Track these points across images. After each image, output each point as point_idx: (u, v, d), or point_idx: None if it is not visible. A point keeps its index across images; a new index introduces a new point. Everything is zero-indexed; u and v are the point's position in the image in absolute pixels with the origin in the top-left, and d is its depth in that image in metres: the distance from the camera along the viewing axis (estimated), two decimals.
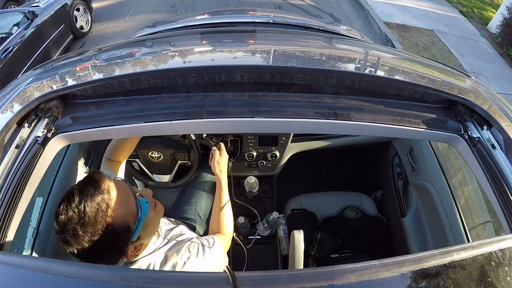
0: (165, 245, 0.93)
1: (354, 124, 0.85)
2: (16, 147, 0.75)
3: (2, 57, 3.61)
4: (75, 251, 0.67)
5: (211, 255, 0.93)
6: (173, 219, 1.18)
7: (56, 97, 0.84)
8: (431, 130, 0.88)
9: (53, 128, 0.82)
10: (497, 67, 5.03)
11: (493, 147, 0.80)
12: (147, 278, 0.47)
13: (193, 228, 1.39)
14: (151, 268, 0.83)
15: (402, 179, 1.68)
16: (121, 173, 1.19)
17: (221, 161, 1.22)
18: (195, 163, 1.46)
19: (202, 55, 1.11)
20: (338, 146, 1.73)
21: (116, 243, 0.73)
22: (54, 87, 0.84)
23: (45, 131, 0.79)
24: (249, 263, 1.38)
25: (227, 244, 1.10)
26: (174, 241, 0.95)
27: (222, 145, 1.28)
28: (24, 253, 1.11)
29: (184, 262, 0.87)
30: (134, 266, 0.83)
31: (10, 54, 3.68)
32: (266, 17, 2.12)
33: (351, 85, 0.88)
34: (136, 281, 0.46)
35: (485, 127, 0.86)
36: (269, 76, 0.85)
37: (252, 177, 1.55)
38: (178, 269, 0.85)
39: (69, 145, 1.02)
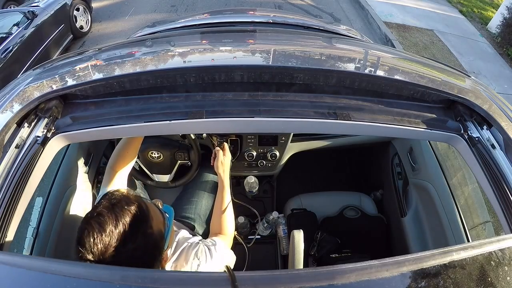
0: (172, 255, 0.92)
1: (354, 124, 0.85)
2: (16, 147, 0.75)
3: (2, 57, 3.60)
4: None
5: (218, 255, 0.94)
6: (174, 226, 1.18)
7: (56, 97, 0.84)
8: (431, 129, 0.88)
9: (53, 128, 0.82)
10: (497, 67, 5.02)
11: (493, 147, 0.81)
12: (147, 278, 0.46)
13: (192, 227, 1.39)
14: None
15: (402, 179, 1.68)
16: (125, 182, 1.17)
17: (224, 161, 1.22)
18: (195, 163, 1.46)
19: (202, 55, 1.10)
20: (338, 146, 1.73)
21: (157, 252, 0.72)
22: (54, 87, 0.84)
23: (45, 131, 0.79)
24: (249, 263, 1.38)
25: (229, 244, 1.10)
26: (180, 250, 0.93)
27: (226, 145, 1.28)
28: (24, 253, 1.11)
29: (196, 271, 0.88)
30: None
31: (10, 54, 3.67)
32: (266, 17, 2.12)
33: (351, 85, 0.88)
34: (136, 281, 0.46)
35: (485, 127, 0.86)
36: (269, 76, 0.85)
37: (252, 177, 1.55)
38: None
39: (68, 145, 1.02)
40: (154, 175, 1.53)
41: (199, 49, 1.18)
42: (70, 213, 1.36)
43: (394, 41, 4.82)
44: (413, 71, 1.05)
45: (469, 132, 0.86)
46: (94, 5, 5.76)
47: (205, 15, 2.20)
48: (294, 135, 1.62)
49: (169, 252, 0.91)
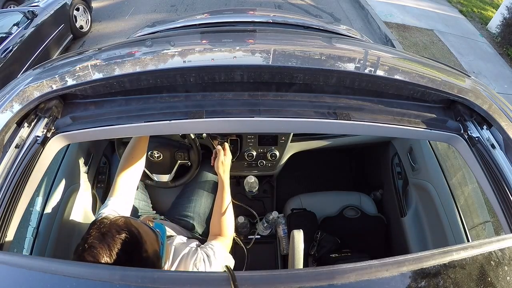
0: (171, 266, 0.90)
1: (354, 123, 0.85)
2: (15, 147, 0.75)
3: (2, 56, 3.59)
4: None
5: (217, 262, 0.94)
6: (169, 229, 1.15)
7: (55, 96, 0.84)
8: (430, 129, 0.88)
9: (53, 128, 0.82)
10: (497, 67, 5.02)
11: (493, 146, 0.80)
12: (147, 278, 0.46)
13: (191, 227, 1.39)
14: None
15: (401, 178, 1.68)
16: (133, 194, 1.15)
17: (225, 161, 1.22)
18: (195, 163, 1.46)
19: (202, 54, 1.10)
20: (338, 145, 1.73)
21: None
22: (54, 87, 0.84)
23: (45, 130, 0.79)
24: (249, 263, 1.38)
25: (229, 245, 1.10)
26: (178, 260, 0.92)
27: (227, 145, 1.28)
28: (23, 253, 1.11)
29: None
30: None
31: (10, 54, 3.67)
32: (266, 17, 2.12)
33: (351, 85, 0.88)
34: (135, 281, 0.46)
35: (484, 127, 0.86)
36: (269, 76, 0.84)
37: (252, 176, 1.55)
38: None
39: (68, 145, 1.02)
40: (154, 175, 1.53)
41: (199, 49, 1.18)
42: (70, 213, 1.36)
43: (394, 41, 4.82)
44: (413, 71, 1.05)
45: (469, 132, 0.86)
46: (94, 5, 5.76)
47: (205, 15, 2.20)
48: (294, 135, 1.62)
49: (167, 265, 0.90)
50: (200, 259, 0.92)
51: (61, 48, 4.63)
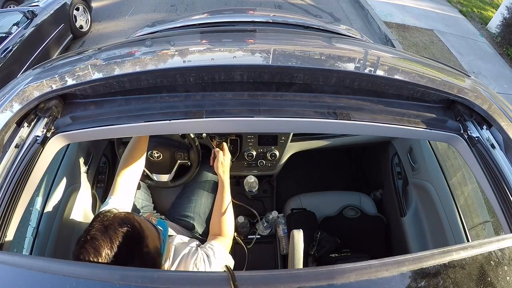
0: (171, 265, 0.91)
1: (354, 123, 0.85)
2: (15, 147, 0.75)
3: (2, 56, 3.58)
4: None
5: (217, 262, 0.94)
6: (170, 228, 1.15)
7: (55, 96, 0.84)
8: (430, 129, 0.88)
9: (53, 128, 0.82)
10: (497, 67, 5.02)
11: (493, 146, 0.80)
12: (147, 277, 0.46)
13: (191, 227, 1.39)
14: None
15: (401, 178, 1.68)
16: (133, 193, 1.15)
17: (224, 161, 1.22)
18: (195, 163, 1.46)
19: (201, 54, 1.10)
20: (338, 145, 1.73)
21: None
22: (54, 87, 0.84)
23: (45, 130, 0.79)
24: (249, 262, 1.38)
25: (229, 245, 1.11)
26: (179, 259, 0.92)
27: (225, 145, 1.28)
28: (23, 253, 1.11)
29: None
30: None
31: (10, 54, 3.66)
32: (265, 17, 2.12)
33: (351, 85, 0.88)
34: (135, 281, 0.46)
35: (484, 127, 0.86)
36: (269, 76, 0.84)
37: (252, 176, 1.55)
38: None
39: (68, 144, 1.02)
40: (153, 174, 1.53)
41: (198, 48, 1.18)
42: (70, 213, 1.36)
43: (394, 41, 4.82)
44: (412, 71, 1.05)
45: (468, 132, 0.86)
46: (94, 4, 5.75)
47: (205, 14, 2.20)
48: (294, 135, 1.62)
49: (167, 264, 0.90)
50: (200, 259, 0.93)
51: (61, 48, 4.62)
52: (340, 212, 1.63)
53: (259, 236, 1.62)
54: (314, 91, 0.88)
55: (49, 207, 1.26)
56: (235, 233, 1.44)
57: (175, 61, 1.04)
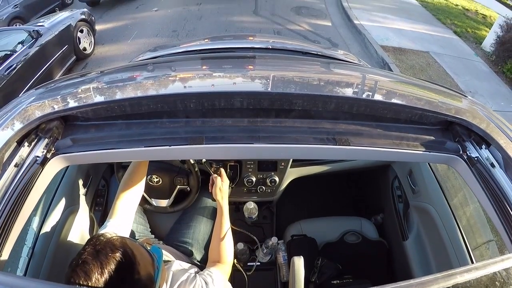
0: None
1: (353, 149, 0.85)
2: (15, 166, 0.74)
3: (5, 74, 3.61)
4: None
5: None
6: (168, 253, 1.13)
7: (57, 117, 0.84)
8: (429, 152, 0.88)
9: (53, 149, 0.82)
10: (493, 85, 5.09)
11: (492, 165, 0.80)
12: None
13: (189, 253, 1.36)
14: None
15: (402, 201, 1.66)
16: (131, 217, 1.14)
17: (223, 188, 1.20)
18: (194, 188, 1.45)
19: (202, 80, 1.12)
20: (338, 170, 1.73)
21: None
22: (56, 108, 0.85)
23: (45, 151, 0.79)
24: None
25: (228, 272, 1.08)
26: (176, 287, 0.90)
27: (223, 171, 1.27)
28: (18, 273, 1.09)
29: None
30: None
31: (13, 72, 3.69)
32: (265, 43, 2.17)
33: (349, 110, 0.88)
34: None
35: (483, 146, 0.86)
36: (268, 102, 0.85)
37: (251, 202, 1.53)
38: None
39: (68, 165, 1.01)
40: (152, 199, 1.52)
41: (199, 74, 1.20)
42: (67, 235, 1.34)
43: (391, 64, 4.90)
44: (410, 94, 1.06)
45: (468, 152, 0.86)
46: (97, 27, 5.90)
47: (205, 40, 2.25)
48: (293, 160, 1.61)
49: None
50: (198, 286, 0.90)
51: (64, 69, 4.67)
52: (341, 237, 1.60)
53: (259, 263, 1.58)
54: (313, 117, 0.89)
55: (46, 228, 1.25)
56: (235, 260, 1.42)
57: (176, 87, 1.05)
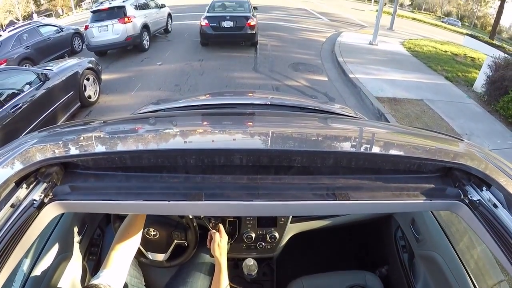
0: None
1: (353, 203, 0.84)
2: (11, 206, 0.73)
3: (11, 111, 3.67)
4: None
5: None
6: None
7: (57, 163, 0.84)
8: (431, 200, 0.87)
9: (51, 194, 0.81)
10: (488, 124, 5.21)
11: (495, 206, 0.79)
12: None
13: None
14: None
15: (406, 252, 1.62)
16: (126, 268, 1.09)
17: (221, 244, 1.18)
18: (192, 244, 1.42)
19: (202, 136, 1.15)
20: (338, 224, 1.70)
21: None
22: (57, 153, 0.86)
23: (43, 195, 0.78)
24: None
25: None
26: None
27: (221, 226, 1.25)
28: None
29: None
30: None
31: (19, 111, 3.77)
32: (264, 99, 2.26)
33: (348, 164, 0.89)
34: None
35: (484, 188, 0.85)
36: (268, 159, 0.86)
37: (251, 259, 1.49)
38: None
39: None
40: (148, 252, 1.47)
41: (200, 130, 1.23)
42: (57, 281, 1.28)
43: (387, 114, 5.04)
44: (407, 144, 1.08)
45: (469, 196, 0.85)
46: (103, 77, 6.13)
47: (206, 96, 2.34)
48: (293, 215, 1.60)
49: None
50: None
51: (68, 114, 4.77)
52: None
53: None
54: (313, 173, 0.89)
55: (36, 272, 1.19)
56: None
57: (177, 142, 1.07)
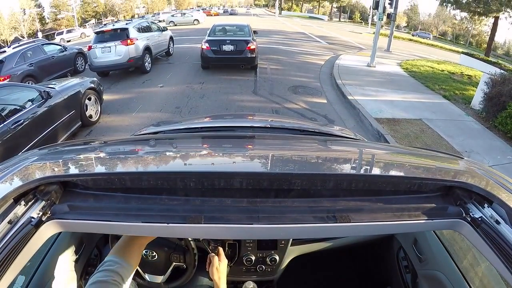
0: None
1: (354, 225, 0.83)
2: (8, 222, 0.72)
3: (12, 127, 3.68)
4: None
5: None
6: None
7: (57, 182, 0.84)
8: (432, 220, 0.86)
9: (49, 212, 0.80)
10: (487, 141, 5.23)
11: (497, 222, 0.78)
12: None
13: None
14: None
15: (409, 272, 1.58)
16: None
17: (220, 267, 1.16)
18: (191, 266, 1.40)
19: (202, 159, 1.15)
20: (340, 246, 1.68)
21: None
22: (57, 172, 0.86)
23: (41, 213, 0.78)
24: None
25: None
26: None
27: (221, 250, 1.24)
28: None
29: None
30: None
31: (20, 127, 3.78)
32: (264, 122, 2.28)
33: (349, 187, 0.89)
34: None
35: (485, 205, 0.84)
36: (268, 182, 0.86)
37: (251, 282, 1.46)
38: None
39: None
40: (146, 274, 1.45)
41: (200, 153, 1.23)
42: None
43: (386, 135, 5.07)
44: (407, 164, 1.08)
45: (471, 214, 0.84)
46: (105, 97, 6.20)
47: (207, 118, 2.37)
48: (294, 238, 1.58)
49: None
50: None
51: (68, 133, 4.78)
52: None
53: None
54: (313, 196, 0.89)
55: None
56: None
57: (177, 165, 1.07)
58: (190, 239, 1.35)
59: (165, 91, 7.54)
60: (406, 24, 61.67)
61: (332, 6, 68.57)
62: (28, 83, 6.46)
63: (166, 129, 1.99)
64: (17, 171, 0.85)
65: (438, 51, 22.29)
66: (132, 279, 1.48)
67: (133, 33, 8.63)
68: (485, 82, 6.23)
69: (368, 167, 1.02)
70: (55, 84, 5.02)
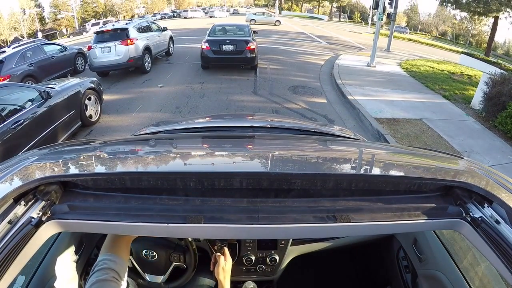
0: None
1: (354, 225, 0.83)
2: (8, 222, 0.72)
3: (12, 127, 3.67)
4: None
5: None
6: None
7: (56, 182, 0.84)
8: (432, 219, 0.86)
9: (49, 212, 0.80)
10: (487, 141, 5.23)
11: (497, 222, 0.78)
12: None
13: None
14: None
15: (409, 272, 1.58)
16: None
17: (226, 267, 1.16)
18: (191, 266, 1.40)
19: (202, 159, 1.15)
20: (340, 246, 1.68)
21: None
22: (57, 172, 0.86)
23: (41, 213, 0.78)
24: None
25: None
26: None
27: (226, 250, 1.24)
28: None
29: None
30: None
31: (20, 127, 3.77)
32: (264, 122, 2.28)
33: (348, 186, 0.89)
34: None
35: (485, 205, 0.85)
36: (268, 182, 0.86)
37: (251, 282, 1.47)
38: None
39: None
40: (146, 274, 1.45)
41: (200, 153, 1.23)
42: None
43: (386, 135, 5.06)
44: (407, 164, 1.08)
45: (471, 213, 0.84)
46: (105, 97, 6.19)
47: (207, 118, 2.36)
48: (294, 238, 1.58)
49: None
50: None
51: (68, 133, 4.76)
52: None
53: None
54: (313, 196, 0.89)
55: None
56: None
57: (177, 165, 1.07)
58: (190, 239, 1.35)
59: (165, 91, 7.54)
60: (406, 24, 61.61)
61: (332, 6, 68.63)
62: (28, 83, 6.45)
63: (166, 129, 1.99)
64: (17, 171, 0.85)
65: (438, 51, 22.29)
66: (132, 279, 1.49)
67: (133, 33, 8.63)
68: (485, 82, 6.23)
69: (368, 167, 1.02)
70: (55, 84, 5.00)
